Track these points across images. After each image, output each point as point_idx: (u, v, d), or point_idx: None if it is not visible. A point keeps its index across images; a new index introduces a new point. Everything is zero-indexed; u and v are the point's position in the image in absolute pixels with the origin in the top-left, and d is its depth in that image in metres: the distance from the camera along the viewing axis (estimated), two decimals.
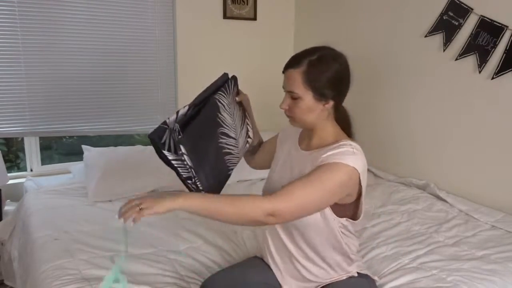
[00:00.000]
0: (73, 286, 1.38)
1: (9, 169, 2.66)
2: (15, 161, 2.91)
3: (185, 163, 1.25)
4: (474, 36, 2.08)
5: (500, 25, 1.98)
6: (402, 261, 1.60)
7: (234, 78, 1.50)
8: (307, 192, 1.12)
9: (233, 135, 1.42)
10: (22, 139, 2.68)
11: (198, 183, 1.28)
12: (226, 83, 1.45)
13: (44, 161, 2.73)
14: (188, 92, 2.95)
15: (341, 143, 1.22)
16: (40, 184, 2.40)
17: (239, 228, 1.86)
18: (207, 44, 2.95)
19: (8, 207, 2.43)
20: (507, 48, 1.95)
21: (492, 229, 1.89)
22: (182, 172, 1.28)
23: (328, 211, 1.21)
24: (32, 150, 2.65)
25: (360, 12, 2.73)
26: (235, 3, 2.99)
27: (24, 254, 1.84)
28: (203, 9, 2.92)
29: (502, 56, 1.97)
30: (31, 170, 2.67)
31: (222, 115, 1.38)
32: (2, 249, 2.24)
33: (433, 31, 2.27)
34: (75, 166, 2.60)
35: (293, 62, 1.22)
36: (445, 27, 2.21)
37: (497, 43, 1.99)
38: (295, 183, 1.14)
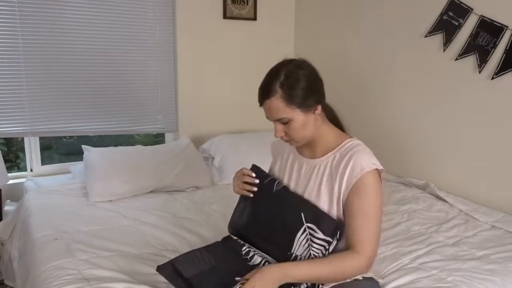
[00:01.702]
0: (73, 286, 1.38)
1: (9, 169, 2.66)
2: (15, 161, 2.91)
3: None
4: (474, 36, 2.08)
5: (500, 25, 1.98)
6: (402, 261, 1.60)
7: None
8: (374, 226, 1.22)
9: None
10: (22, 139, 2.68)
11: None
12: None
13: (44, 161, 2.73)
14: (188, 92, 2.97)
15: (347, 144, 1.28)
16: (40, 184, 2.40)
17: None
18: (207, 44, 2.95)
19: (8, 207, 2.43)
20: (507, 48, 1.95)
21: (492, 229, 1.89)
22: None
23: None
24: (32, 150, 2.65)
25: (360, 12, 2.73)
26: (235, 3, 2.99)
27: (24, 254, 1.84)
28: (203, 9, 2.92)
29: (502, 56, 1.97)
30: (31, 170, 2.67)
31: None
32: (2, 249, 2.24)
33: (433, 31, 2.27)
34: (75, 166, 2.60)
35: (266, 92, 1.22)
36: (445, 27, 2.21)
37: (497, 43, 1.99)
38: (362, 226, 1.20)
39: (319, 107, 1.26)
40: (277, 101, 1.20)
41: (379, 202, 1.22)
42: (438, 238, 1.81)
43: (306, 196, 1.32)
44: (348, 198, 1.24)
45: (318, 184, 1.29)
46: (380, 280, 1.40)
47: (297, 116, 1.22)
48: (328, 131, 1.31)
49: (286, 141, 1.30)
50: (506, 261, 1.60)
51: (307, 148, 1.35)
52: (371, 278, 1.34)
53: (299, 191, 1.34)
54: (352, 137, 1.33)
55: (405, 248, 1.70)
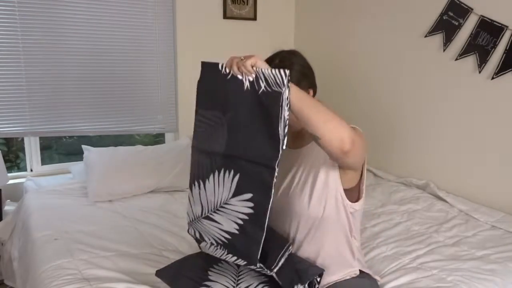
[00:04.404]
0: (73, 286, 1.38)
1: (9, 169, 2.65)
2: (15, 161, 2.91)
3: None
4: (474, 36, 2.08)
5: (500, 25, 1.98)
6: (402, 261, 1.60)
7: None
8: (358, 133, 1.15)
9: None
10: (22, 139, 2.68)
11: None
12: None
13: (44, 161, 2.73)
14: (188, 92, 2.96)
15: None
16: (40, 184, 2.40)
17: None
18: (207, 44, 2.95)
19: (8, 207, 2.43)
20: (507, 48, 1.95)
21: (492, 229, 1.89)
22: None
23: (342, 195, 1.26)
24: (32, 150, 2.65)
25: (360, 12, 2.73)
26: (235, 3, 2.99)
27: (24, 254, 1.84)
28: (203, 9, 2.92)
29: (502, 56, 1.97)
30: (31, 170, 2.67)
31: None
32: (2, 249, 2.24)
33: (433, 31, 2.27)
34: (75, 166, 2.60)
35: None
36: (445, 27, 2.21)
37: (497, 43, 1.99)
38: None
39: (311, 92, 1.28)
40: None
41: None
42: (438, 238, 1.81)
43: (296, 182, 1.30)
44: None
45: (310, 168, 1.29)
46: (377, 278, 1.40)
47: None
48: None
49: None
50: (506, 261, 1.60)
51: (294, 137, 1.35)
52: (368, 275, 1.35)
53: (287, 180, 1.32)
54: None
55: (405, 248, 1.70)
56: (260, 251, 1.06)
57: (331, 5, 2.95)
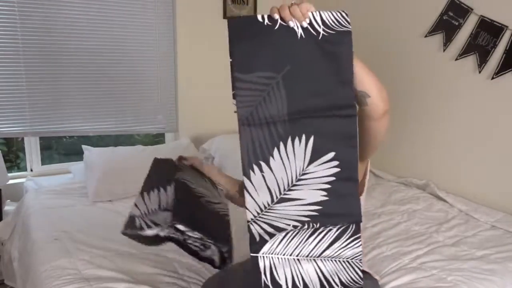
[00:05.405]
0: (73, 286, 1.39)
1: (9, 169, 2.65)
2: (15, 161, 2.91)
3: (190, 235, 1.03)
4: (474, 36, 2.08)
5: (500, 25, 1.98)
6: (402, 261, 1.60)
7: (162, 160, 1.35)
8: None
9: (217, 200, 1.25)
10: (22, 139, 2.68)
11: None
12: (167, 164, 1.29)
13: (44, 161, 2.73)
14: (188, 92, 2.97)
15: None
16: (40, 184, 2.40)
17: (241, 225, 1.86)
18: (207, 44, 2.95)
19: (8, 207, 2.43)
20: (507, 48, 1.95)
21: (492, 229, 1.89)
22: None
23: None
24: (32, 150, 2.65)
25: (359, 12, 2.73)
26: (235, 3, 2.99)
27: (24, 254, 1.84)
28: (203, 9, 2.92)
29: (502, 56, 1.97)
30: (31, 170, 2.67)
31: (196, 189, 1.22)
32: (2, 249, 2.24)
33: (433, 31, 2.27)
34: (75, 166, 2.60)
35: None
36: (445, 27, 2.21)
37: (497, 43, 1.99)
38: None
39: None
40: None
41: None
42: (438, 238, 1.81)
43: None
44: None
45: None
46: (377, 277, 1.40)
47: None
48: None
49: None
50: (506, 261, 1.60)
51: None
52: (370, 276, 1.35)
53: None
54: None
55: (405, 248, 1.71)
56: (360, 204, 0.96)
57: (330, 6, 2.96)
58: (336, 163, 0.92)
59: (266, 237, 0.97)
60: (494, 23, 2.00)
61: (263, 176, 0.94)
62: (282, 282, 0.97)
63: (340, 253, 0.98)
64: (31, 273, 1.61)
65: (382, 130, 1.10)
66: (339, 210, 0.95)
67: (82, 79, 2.62)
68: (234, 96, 0.92)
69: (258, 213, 0.98)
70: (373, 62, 2.64)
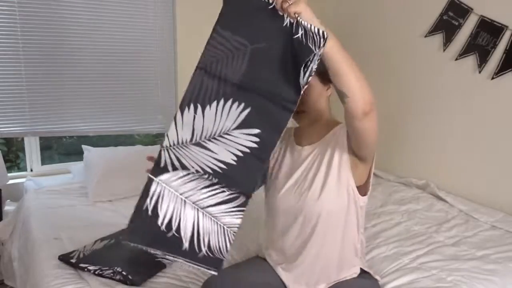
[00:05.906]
0: (73, 285, 1.39)
1: (9, 169, 2.65)
2: (15, 161, 2.91)
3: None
4: (474, 36, 2.08)
5: (500, 25, 1.98)
6: (402, 261, 1.60)
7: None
8: None
9: None
10: (22, 139, 2.68)
11: None
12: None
13: (44, 161, 2.73)
14: None
15: (338, 126, 1.31)
16: (40, 184, 2.40)
17: (240, 230, 1.85)
18: None
19: (8, 207, 2.43)
20: (507, 48, 1.95)
21: (492, 229, 1.89)
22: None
23: (354, 189, 1.27)
24: (32, 150, 2.65)
25: (360, 12, 2.73)
26: None
27: (24, 254, 1.84)
28: (203, 9, 2.91)
29: (502, 56, 1.97)
30: (31, 170, 2.67)
31: None
32: (2, 249, 2.24)
33: (433, 31, 2.27)
34: (75, 166, 2.60)
35: None
36: (445, 27, 2.21)
37: (497, 43, 1.99)
38: None
39: (330, 90, 1.30)
40: None
41: None
42: (438, 238, 1.81)
43: (305, 178, 1.31)
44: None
45: (318, 165, 1.29)
46: (378, 277, 1.41)
47: (316, 83, 1.28)
48: (331, 118, 1.36)
49: (298, 112, 1.28)
50: (506, 261, 1.60)
51: (309, 134, 1.35)
52: (369, 275, 1.35)
53: (295, 176, 1.32)
54: None
55: (405, 248, 1.71)
56: (259, 180, 1.04)
57: (330, 6, 2.95)
58: (256, 139, 1.01)
59: (170, 167, 1.07)
60: (494, 23, 2.00)
61: (194, 117, 1.05)
62: (161, 214, 1.05)
63: (221, 216, 1.05)
64: (31, 273, 1.61)
65: (368, 130, 1.12)
66: (239, 179, 1.03)
67: (82, 79, 2.62)
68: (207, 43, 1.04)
69: (174, 144, 1.09)
70: (373, 62, 2.65)
